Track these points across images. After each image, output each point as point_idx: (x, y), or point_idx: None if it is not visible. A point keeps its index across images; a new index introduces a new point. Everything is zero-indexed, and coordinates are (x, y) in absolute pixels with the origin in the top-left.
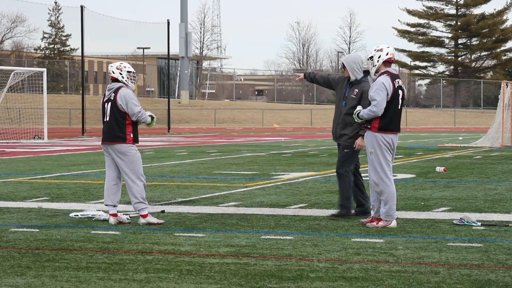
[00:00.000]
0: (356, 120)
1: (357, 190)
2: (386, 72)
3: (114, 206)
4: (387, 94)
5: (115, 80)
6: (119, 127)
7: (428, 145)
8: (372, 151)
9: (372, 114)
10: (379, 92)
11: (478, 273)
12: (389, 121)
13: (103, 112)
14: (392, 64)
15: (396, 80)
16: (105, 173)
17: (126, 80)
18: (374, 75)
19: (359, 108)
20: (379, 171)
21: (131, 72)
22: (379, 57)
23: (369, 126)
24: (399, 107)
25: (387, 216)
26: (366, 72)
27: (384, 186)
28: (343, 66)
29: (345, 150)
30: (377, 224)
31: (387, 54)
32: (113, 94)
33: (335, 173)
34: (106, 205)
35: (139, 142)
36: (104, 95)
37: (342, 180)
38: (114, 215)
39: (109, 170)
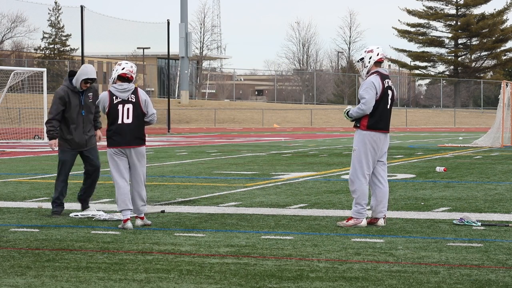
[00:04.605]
0: (345, 119)
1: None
2: (376, 72)
3: (131, 210)
4: (376, 93)
5: (130, 80)
6: (142, 129)
7: (428, 145)
8: (355, 149)
9: (361, 112)
10: (368, 90)
11: (478, 273)
12: (378, 120)
13: (115, 113)
14: (385, 64)
15: (386, 80)
16: (120, 177)
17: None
18: (365, 76)
19: (348, 107)
20: (357, 169)
21: None
22: (370, 58)
23: (358, 125)
24: (388, 107)
25: (357, 214)
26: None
27: (358, 185)
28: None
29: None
30: (347, 222)
31: (377, 54)
32: (134, 95)
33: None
34: (128, 209)
35: None
36: (113, 96)
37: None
38: (142, 218)
39: (126, 173)
